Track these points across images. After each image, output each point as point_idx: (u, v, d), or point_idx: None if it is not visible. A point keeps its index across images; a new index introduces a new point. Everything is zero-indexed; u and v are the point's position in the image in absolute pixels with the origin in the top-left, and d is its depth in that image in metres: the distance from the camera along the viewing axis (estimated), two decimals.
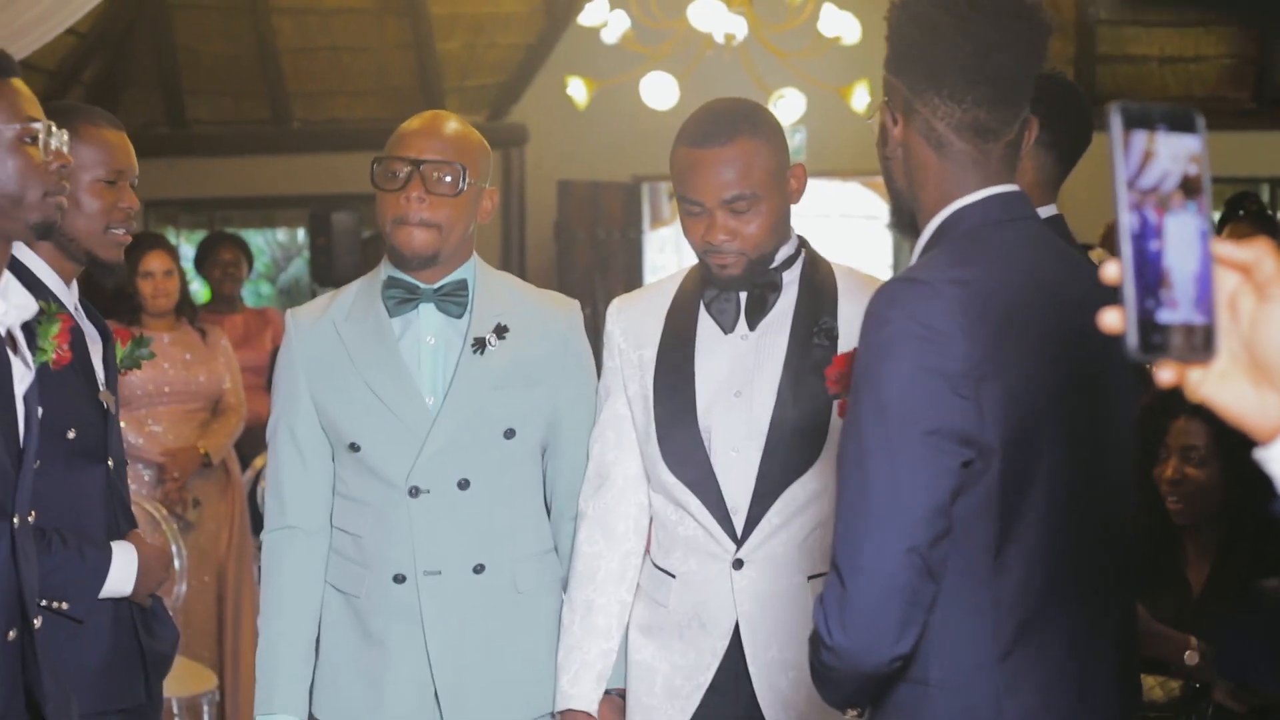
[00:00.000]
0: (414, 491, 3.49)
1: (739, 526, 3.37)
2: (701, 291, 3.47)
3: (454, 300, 3.53)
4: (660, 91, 9.33)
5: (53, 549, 3.15)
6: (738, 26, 8.97)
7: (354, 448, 3.53)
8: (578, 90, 9.81)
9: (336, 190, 12.07)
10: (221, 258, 8.65)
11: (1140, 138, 1.46)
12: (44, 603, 2.99)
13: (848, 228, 18.51)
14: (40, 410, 2.97)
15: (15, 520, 2.86)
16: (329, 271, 11.21)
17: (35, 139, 2.86)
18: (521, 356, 3.55)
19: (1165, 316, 1.44)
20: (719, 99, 3.48)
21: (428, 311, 3.54)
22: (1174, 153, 1.47)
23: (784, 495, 3.34)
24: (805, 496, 3.35)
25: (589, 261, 12.36)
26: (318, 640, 3.60)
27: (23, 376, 2.92)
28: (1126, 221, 1.45)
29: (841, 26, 9.12)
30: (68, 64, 11.73)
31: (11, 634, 2.84)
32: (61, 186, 2.94)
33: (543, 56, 12.77)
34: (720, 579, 3.39)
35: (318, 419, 3.57)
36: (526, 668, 3.57)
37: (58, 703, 2.94)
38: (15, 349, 2.92)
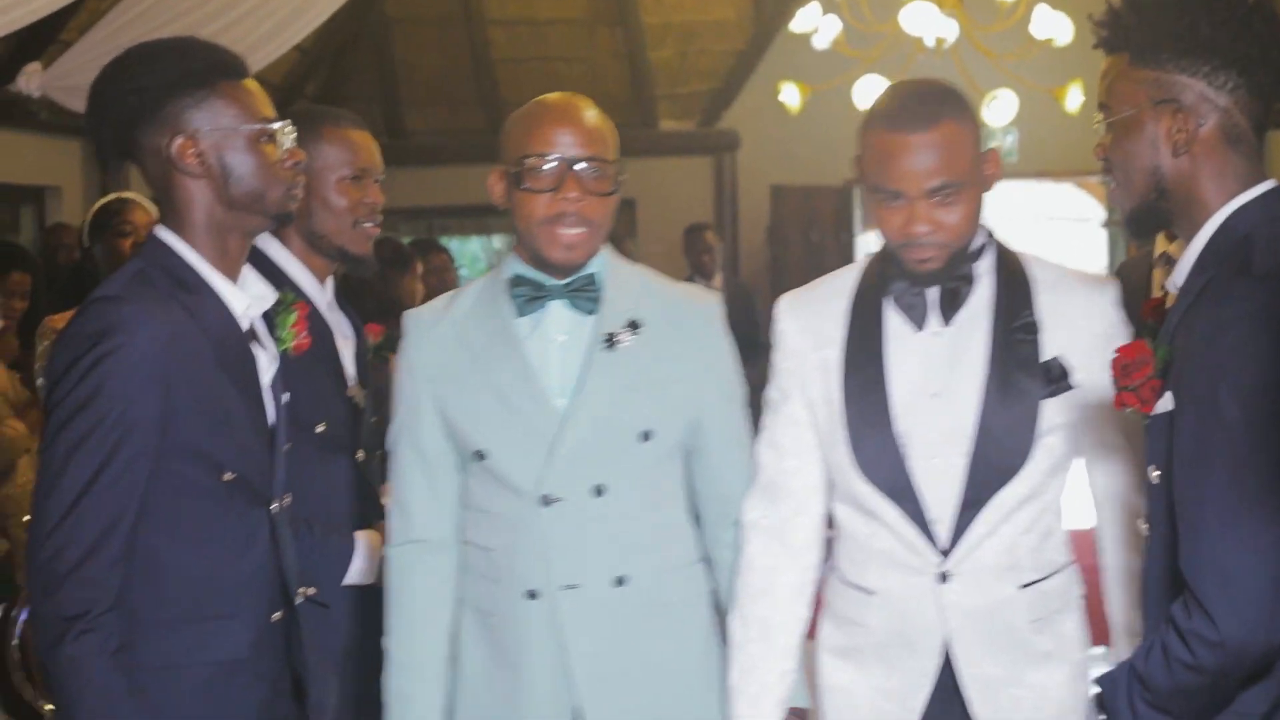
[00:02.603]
0: (546, 500, 3.22)
1: (943, 537, 3.12)
2: (886, 286, 3.19)
3: (586, 295, 3.27)
4: (874, 95, 9.34)
5: (301, 536, 3.27)
6: (949, 29, 8.98)
7: (480, 455, 3.27)
8: (790, 95, 9.87)
9: None
10: (434, 263, 8.86)
11: None
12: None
13: (1059, 229, 18.34)
14: (287, 396, 3.10)
15: (274, 506, 2.99)
16: None
17: (271, 137, 2.96)
18: (658, 353, 3.28)
19: None
20: (910, 80, 3.24)
21: (557, 309, 3.28)
22: None
23: (992, 502, 3.09)
24: (1014, 502, 3.10)
25: (803, 265, 12.39)
26: (456, 662, 3.36)
27: (267, 365, 3.03)
28: None
29: (1054, 27, 9.10)
30: (292, 78, 12.14)
31: (275, 616, 2.97)
32: (296, 181, 3.02)
33: (753, 62, 12.91)
34: (924, 594, 3.14)
35: (441, 426, 3.32)
36: (679, 688, 3.31)
37: (321, 683, 3.08)
38: (258, 340, 3.03)
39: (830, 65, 10.18)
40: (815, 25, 9.46)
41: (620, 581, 3.24)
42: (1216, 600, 2.42)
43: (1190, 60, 2.61)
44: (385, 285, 6.46)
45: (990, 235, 3.21)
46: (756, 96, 12.54)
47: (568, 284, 3.26)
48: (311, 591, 3.13)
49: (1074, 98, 9.37)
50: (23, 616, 5.01)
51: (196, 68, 2.91)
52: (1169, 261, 3.68)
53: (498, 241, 16.11)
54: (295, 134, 3.02)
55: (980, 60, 9.56)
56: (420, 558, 3.33)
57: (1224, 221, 2.61)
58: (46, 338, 4.93)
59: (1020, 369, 3.10)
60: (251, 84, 2.98)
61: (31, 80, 8.98)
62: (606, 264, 3.33)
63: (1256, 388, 2.42)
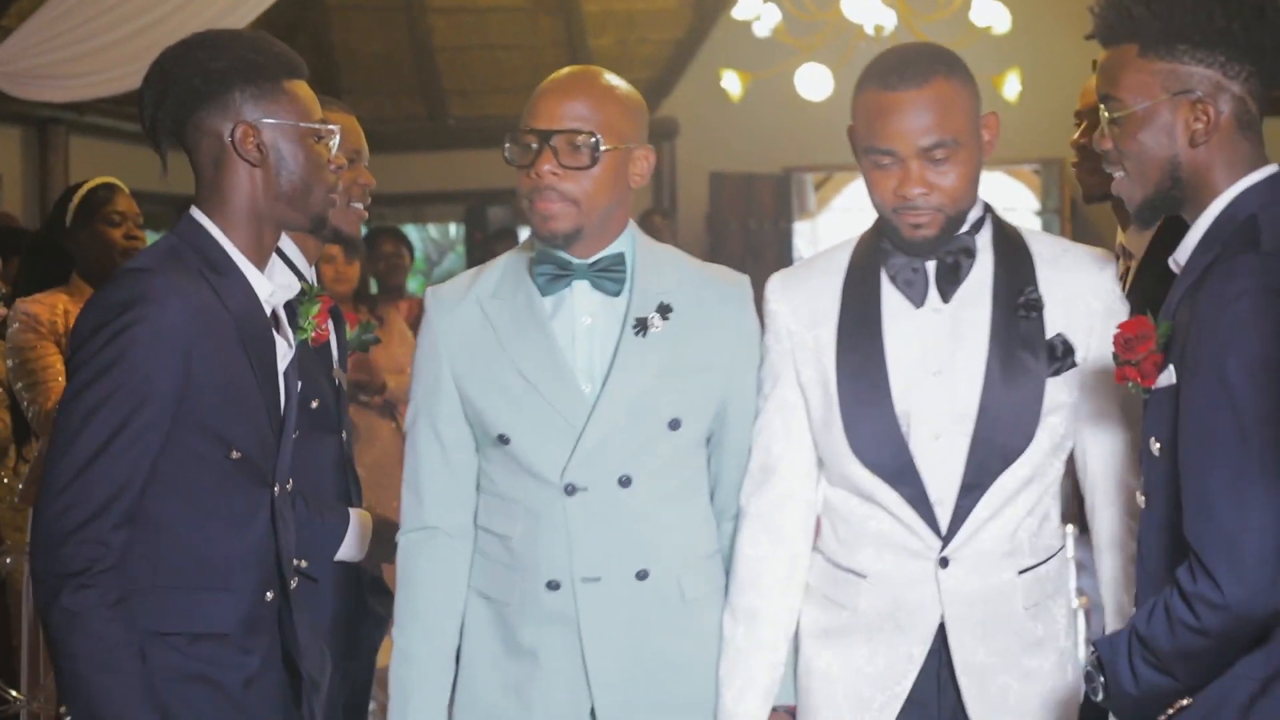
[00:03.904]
0: (570, 489, 3.15)
1: (944, 520, 3.04)
2: (882, 261, 3.10)
3: (611, 276, 3.19)
4: (815, 83, 9.45)
5: (296, 510, 3.31)
6: (888, 17, 9.07)
7: (503, 440, 3.19)
8: (732, 83, 9.94)
9: (492, 185, 12.34)
10: (383, 250, 8.87)
11: None
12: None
13: None
14: (300, 385, 3.17)
15: (275, 489, 3.04)
16: None
17: (323, 139, 3.04)
18: (689, 338, 3.19)
19: None
20: (905, 44, 3.14)
21: (582, 289, 3.20)
22: None
23: (995, 485, 3.03)
24: (1016, 485, 3.05)
25: (741, 252, 12.47)
26: (458, 651, 3.28)
27: (285, 354, 3.10)
28: None
29: (992, 16, 9.21)
30: None
31: (269, 595, 3.02)
32: (336, 186, 3.12)
33: (693, 50, 12.96)
34: (923, 578, 3.07)
35: (461, 408, 3.24)
36: (697, 685, 3.23)
37: (313, 658, 3.12)
38: (279, 327, 3.10)
39: (770, 53, 10.25)
40: (756, 13, 9.54)
41: (642, 575, 3.18)
42: (1222, 564, 2.50)
43: (1206, 50, 2.68)
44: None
45: (988, 208, 3.15)
46: (696, 84, 12.61)
47: (593, 263, 3.19)
48: (304, 564, 3.20)
49: (1011, 86, 9.48)
50: None
51: (265, 60, 2.98)
52: (1125, 252, 3.75)
53: (435, 230, 16.12)
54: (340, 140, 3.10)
55: None
56: (432, 545, 3.25)
57: (1229, 204, 2.70)
58: (15, 320, 4.95)
59: (1024, 346, 3.04)
60: (308, 87, 3.06)
61: None
62: (634, 243, 3.25)
63: (1263, 360, 2.51)
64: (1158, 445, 2.71)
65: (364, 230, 9.87)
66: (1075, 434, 3.13)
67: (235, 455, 2.94)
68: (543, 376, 3.16)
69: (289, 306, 3.17)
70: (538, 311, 3.19)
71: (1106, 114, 2.78)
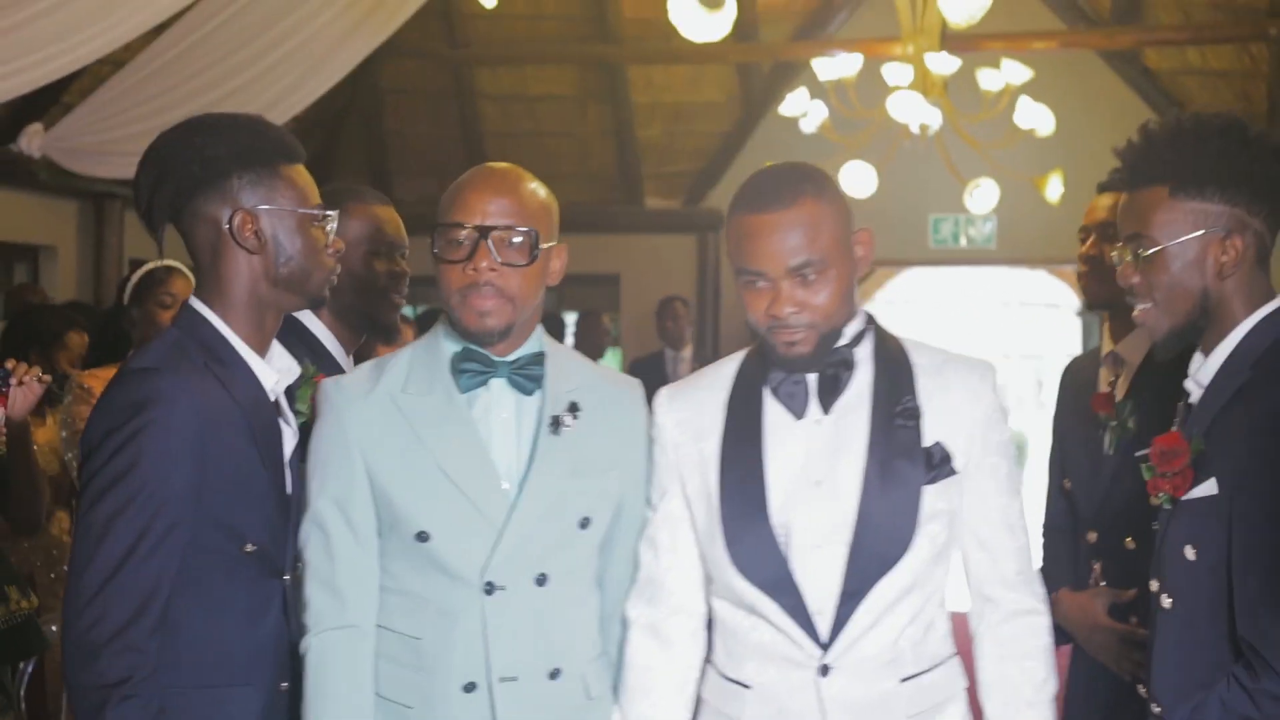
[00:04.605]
0: (489, 588, 3.07)
1: (824, 630, 3.02)
2: (764, 375, 3.11)
3: (529, 375, 3.15)
4: (859, 180, 9.49)
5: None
6: (933, 117, 9.12)
7: (421, 537, 3.08)
8: None
9: None
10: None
11: None
12: None
13: (1034, 315, 18.44)
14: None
15: (286, 578, 3.08)
16: None
17: (320, 223, 3.08)
18: (594, 438, 3.17)
19: None
20: (775, 164, 3.14)
21: (499, 386, 3.15)
22: None
23: (874, 591, 3.00)
24: (896, 593, 3.03)
25: None
26: None
27: (290, 440, 3.13)
28: None
29: (1036, 119, 9.28)
30: None
31: (284, 685, 3.06)
32: (336, 268, 3.14)
33: (739, 144, 13.07)
34: (804, 688, 3.04)
35: (373, 503, 3.12)
36: None
37: None
38: (281, 413, 3.12)
39: (815, 149, 10.28)
40: (803, 109, 9.61)
41: (554, 674, 3.13)
42: None
43: (1233, 191, 2.91)
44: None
45: (870, 320, 3.16)
46: (742, 177, 12.46)
47: (513, 361, 3.15)
48: None
49: (1054, 188, 9.53)
50: (29, 669, 5.11)
51: (262, 146, 3.01)
52: (1116, 360, 3.95)
53: None
54: (336, 224, 3.12)
55: (964, 149, 9.73)
56: (352, 645, 3.10)
57: (1250, 330, 2.93)
58: (71, 392, 5.04)
59: (901, 455, 3.03)
60: (305, 171, 3.08)
61: (33, 141, 9.10)
62: (542, 342, 3.21)
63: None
64: (1193, 551, 2.90)
65: (415, 311, 9.92)
66: (957, 541, 3.14)
67: (249, 549, 2.96)
68: (465, 474, 3.09)
69: (288, 390, 3.18)
70: (458, 408, 3.12)
71: (1135, 251, 2.98)
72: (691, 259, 13.20)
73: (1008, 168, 9.78)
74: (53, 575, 5.89)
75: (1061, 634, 3.91)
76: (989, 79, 9.34)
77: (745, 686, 3.10)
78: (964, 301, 21.28)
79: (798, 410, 3.07)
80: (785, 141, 10.96)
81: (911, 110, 9.03)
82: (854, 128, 9.90)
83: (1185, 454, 2.93)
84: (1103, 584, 3.92)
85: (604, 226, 13.00)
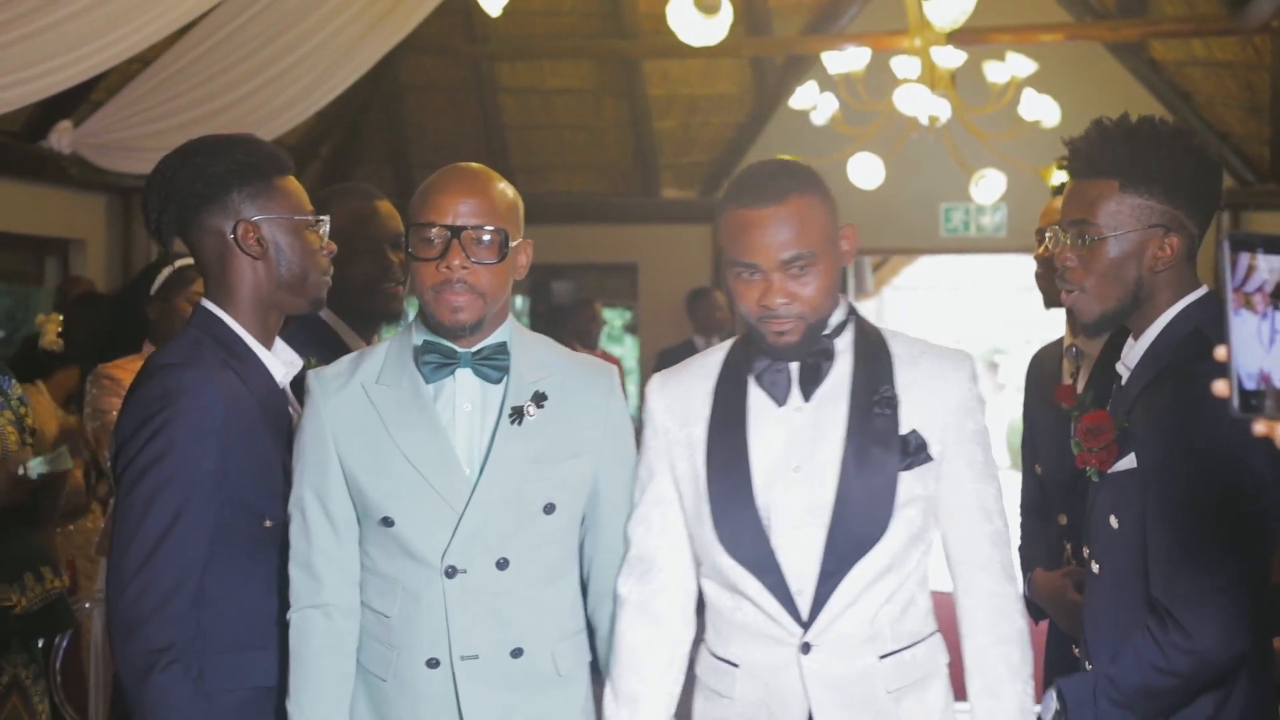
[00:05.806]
0: (450, 571, 3.20)
1: (804, 608, 3.14)
2: (749, 364, 3.26)
3: (493, 364, 3.28)
4: (867, 171, 9.64)
5: None
6: (941, 109, 9.25)
7: (386, 522, 3.23)
8: None
9: (555, 260, 12.61)
10: None
11: (1244, 257, 1.93)
12: None
13: (1038, 300, 18.39)
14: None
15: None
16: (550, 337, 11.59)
17: (314, 228, 3.36)
18: (562, 426, 3.30)
19: (1258, 386, 1.92)
20: (764, 160, 3.29)
21: (464, 376, 3.28)
22: (1271, 267, 1.94)
23: (852, 572, 3.12)
24: (874, 573, 3.14)
25: None
26: None
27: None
28: (1232, 317, 1.93)
29: (1041, 110, 9.45)
30: (307, 140, 12.47)
31: None
32: (330, 270, 3.41)
33: (753, 136, 13.22)
34: (787, 665, 3.16)
35: (347, 489, 3.27)
36: None
37: None
38: (289, 402, 3.40)
39: (827, 141, 10.49)
40: (814, 102, 9.76)
41: (516, 654, 3.24)
42: (1192, 616, 2.98)
43: (1175, 193, 3.13)
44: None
45: (851, 311, 3.29)
46: None
47: (476, 352, 3.27)
48: None
49: (1059, 178, 9.61)
50: (64, 644, 5.32)
51: (258, 161, 3.30)
52: (1077, 353, 4.15)
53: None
54: (329, 229, 3.40)
55: (970, 140, 9.90)
56: (328, 622, 3.24)
57: (1172, 319, 3.15)
58: (96, 384, 5.20)
59: (878, 442, 3.15)
60: (296, 181, 3.37)
61: (63, 138, 9.25)
62: (512, 334, 3.33)
63: (1223, 453, 2.96)
64: (1116, 520, 3.16)
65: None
66: (937, 525, 3.25)
67: (268, 524, 3.24)
68: (428, 462, 3.22)
69: (293, 382, 3.44)
70: (422, 398, 3.25)
71: (1080, 236, 3.15)
72: (707, 248, 13.33)
73: (1013, 158, 9.95)
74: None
75: (1038, 611, 4.16)
76: (995, 71, 9.48)
77: (733, 665, 3.23)
78: (976, 287, 20.94)
79: (780, 397, 3.20)
80: (797, 133, 11.16)
81: (919, 103, 9.15)
82: (864, 120, 10.05)
83: (1110, 430, 3.17)
84: (1073, 563, 4.08)
85: (621, 217, 13.26)
